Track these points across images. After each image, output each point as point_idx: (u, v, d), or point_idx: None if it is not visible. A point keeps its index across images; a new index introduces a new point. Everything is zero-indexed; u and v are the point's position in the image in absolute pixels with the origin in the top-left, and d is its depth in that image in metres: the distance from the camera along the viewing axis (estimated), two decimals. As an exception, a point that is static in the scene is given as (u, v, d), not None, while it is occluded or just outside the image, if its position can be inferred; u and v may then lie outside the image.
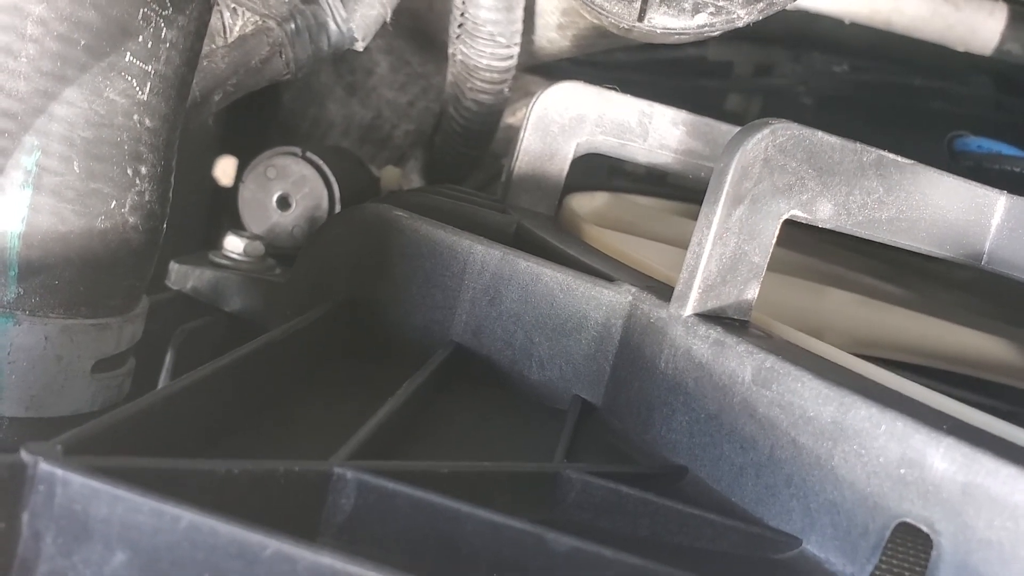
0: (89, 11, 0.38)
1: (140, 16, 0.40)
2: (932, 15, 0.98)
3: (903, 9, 0.98)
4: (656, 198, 0.95)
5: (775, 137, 0.42)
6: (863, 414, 0.35)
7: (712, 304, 0.43)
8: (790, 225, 0.43)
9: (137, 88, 0.41)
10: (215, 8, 0.59)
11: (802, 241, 0.82)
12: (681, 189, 0.97)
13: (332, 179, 0.73)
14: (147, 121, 0.41)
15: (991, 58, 0.99)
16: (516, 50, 0.79)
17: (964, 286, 0.95)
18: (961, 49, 0.98)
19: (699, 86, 1.24)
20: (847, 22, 0.99)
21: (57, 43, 0.38)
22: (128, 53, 0.40)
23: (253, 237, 0.66)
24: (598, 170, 1.03)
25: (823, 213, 0.43)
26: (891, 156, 0.44)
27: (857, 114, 1.22)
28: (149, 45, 0.40)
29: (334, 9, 0.64)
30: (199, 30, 0.43)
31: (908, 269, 0.94)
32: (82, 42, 0.39)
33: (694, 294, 0.42)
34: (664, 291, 0.46)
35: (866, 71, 1.18)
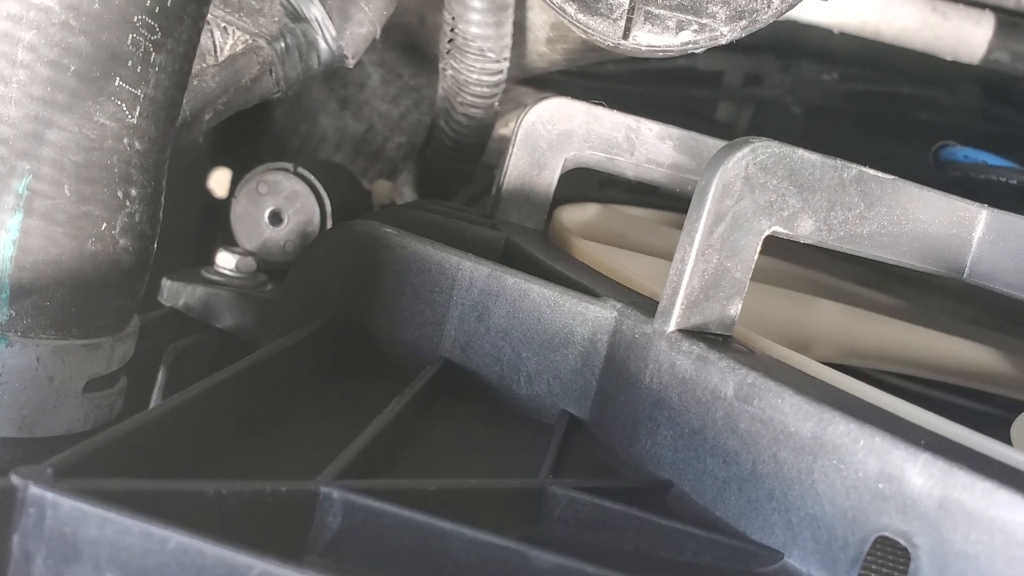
0: (79, 37, 0.39)
1: (129, 41, 0.40)
2: (921, 25, 0.99)
3: (892, 19, 0.98)
4: (648, 208, 0.96)
5: (755, 155, 0.42)
6: (842, 429, 0.35)
7: (695, 320, 0.43)
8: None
9: (127, 112, 0.41)
10: (205, 28, 0.59)
11: (790, 248, 0.83)
12: (674, 199, 0.98)
13: (324, 194, 0.74)
14: (137, 144, 0.42)
15: (979, 67, 1.00)
16: (506, 65, 0.80)
17: (954, 292, 0.95)
18: (949, 58, 0.99)
19: (690, 96, 1.24)
20: (836, 32, 0.99)
21: (48, 69, 0.39)
22: (118, 78, 0.40)
23: (245, 253, 0.67)
24: (590, 180, 1.03)
25: (804, 229, 0.44)
26: (871, 172, 0.45)
27: (846, 123, 1.23)
28: (139, 69, 0.41)
29: (324, 27, 0.64)
30: (188, 53, 0.44)
31: (897, 275, 0.95)
32: (72, 68, 0.39)
33: (677, 310, 0.43)
34: (649, 306, 0.47)
35: (855, 80, 1.19)
